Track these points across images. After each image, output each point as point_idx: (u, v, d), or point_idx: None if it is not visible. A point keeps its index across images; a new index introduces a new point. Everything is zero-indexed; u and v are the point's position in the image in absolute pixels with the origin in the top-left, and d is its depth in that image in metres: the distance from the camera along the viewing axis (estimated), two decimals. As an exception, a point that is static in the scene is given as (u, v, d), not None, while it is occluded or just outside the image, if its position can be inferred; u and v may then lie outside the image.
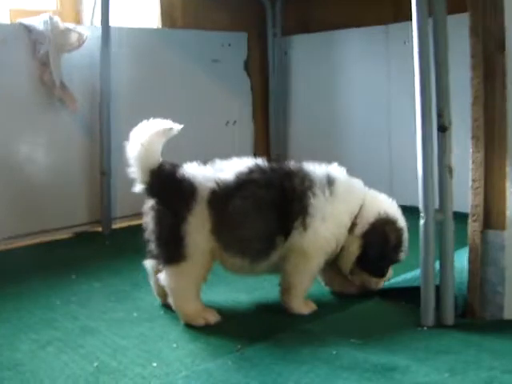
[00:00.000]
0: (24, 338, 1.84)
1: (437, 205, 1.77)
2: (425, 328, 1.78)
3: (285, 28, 3.55)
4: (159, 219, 1.91)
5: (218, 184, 1.88)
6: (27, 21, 2.80)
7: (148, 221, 1.95)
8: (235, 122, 3.49)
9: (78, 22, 3.55)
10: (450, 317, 1.79)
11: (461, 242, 1.87)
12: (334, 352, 1.65)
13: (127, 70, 3.12)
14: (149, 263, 2.04)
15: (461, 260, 1.87)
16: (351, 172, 2.03)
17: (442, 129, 1.74)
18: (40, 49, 2.76)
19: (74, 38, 2.80)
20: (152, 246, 1.95)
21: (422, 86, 1.74)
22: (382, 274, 2.03)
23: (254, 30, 3.56)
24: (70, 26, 2.86)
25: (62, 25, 2.81)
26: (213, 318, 1.92)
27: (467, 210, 1.82)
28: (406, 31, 2.98)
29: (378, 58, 3.18)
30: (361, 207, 1.98)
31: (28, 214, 2.89)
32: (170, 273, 1.91)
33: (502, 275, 1.76)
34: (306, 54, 3.51)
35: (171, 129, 1.91)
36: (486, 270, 1.80)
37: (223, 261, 1.95)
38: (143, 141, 1.88)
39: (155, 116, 1.91)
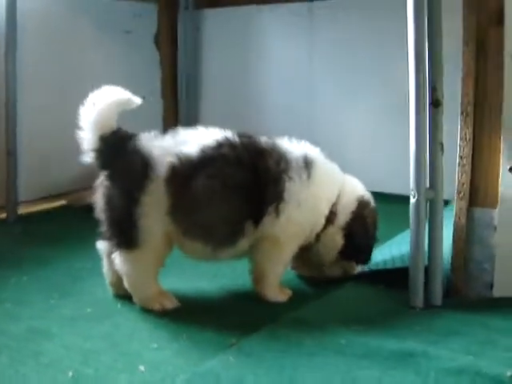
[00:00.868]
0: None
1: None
2: (416, 309, 1.73)
3: (198, 1, 3.35)
4: (109, 198, 1.71)
5: (179, 159, 1.67)
6: None
7: (98, 198, 1.74)
8: (144, 96, 3.23)
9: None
10: (438, 297, 1.75)
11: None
12: (343, 341, 1.53)
13: (34, 43, 2.80)
14: (101, 245, 1.83)
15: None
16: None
17: (436, 103, 1.68)
18: None
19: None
20: (103, 227, 1.75)
21: (416, 62, 1.67)
22: (368, 259, 1.93)
23: (165, 2, 3.33)
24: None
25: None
26: (169, 303, 1.76)
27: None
28: (330, 9, 2.98)
29: (300, 35, 3.09)
30: (339, 194, 1.85)
31: None
32: (124, 258, 1.72)
33: (490, 253, 1.75)
34: (220, 28, 3.33)
35: (130, 99, 1.73)
36: (472, 248, 1.78)
37: (182, 245, 1.76)
38: (98, 104, 1.69)
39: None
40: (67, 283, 1.98)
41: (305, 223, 1.79)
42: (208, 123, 3.31)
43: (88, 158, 1.73)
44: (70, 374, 1.41)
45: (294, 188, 1.75)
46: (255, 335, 1.58)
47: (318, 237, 1.85)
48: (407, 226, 1.74)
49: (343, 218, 1.84)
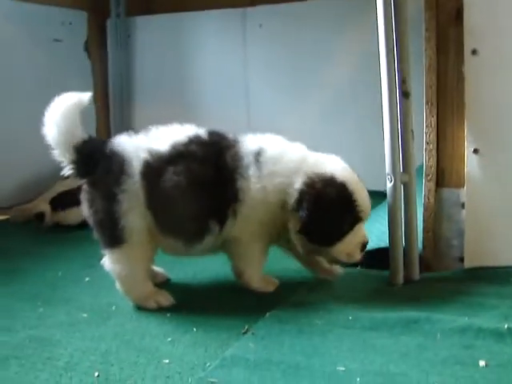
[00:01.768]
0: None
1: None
2: (398, 285, 1.86)
3: (129, 8, 3.34)
4: (91, 202, 1.75)
5: (151, 155, 1.71)
6: None
7: (83, 206, 1.79)
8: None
9: None
10: (416, 273, 1.90)
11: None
12: (350, 317, 1.64)
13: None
14: None
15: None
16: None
17: (406, 95, 1.83)
18: None
19: None
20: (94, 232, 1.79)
21: (387, 58, 1.81)
22: (332, 238, 1.74)
23: (95, 9, 3.30)
24: None
25: None
26: (165, 300, 1.78)
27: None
28: (262, 14, 3.10)
29: (234, 41, 3.18)
30: (294, 175, 1.74)
31: None
32: (112, 258, 1.75)
33: (458, 229, 1.92)
34: (152, 35, 3.35)
35: (80, 99, 1.74)
36: (441, 226, 1.95)
37: (158, 241, 1.78)
38: (56, 119, 1.71)
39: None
40: (47, 292, 1.94)
41: (264, 219, 1.75)
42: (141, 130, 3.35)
43: (67, 170, 1.78)
44: (96, 374, 1.40)
45: (246, 186, 1.73)
46: (263, 321, 1.64)
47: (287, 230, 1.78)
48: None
49: (291, 199, 1.73)
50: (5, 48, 2.88)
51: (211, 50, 3.26)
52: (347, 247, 1.76)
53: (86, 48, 3.31)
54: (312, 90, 3.03)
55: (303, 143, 1.84)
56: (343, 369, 1.37)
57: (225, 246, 1.82)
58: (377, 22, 1.80)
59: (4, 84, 2.83)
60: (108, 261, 1.76)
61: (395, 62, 1.81)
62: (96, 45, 3.35)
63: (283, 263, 2.01)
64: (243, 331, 1.59)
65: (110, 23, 3.35)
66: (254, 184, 1.73)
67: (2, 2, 2.87)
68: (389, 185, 1.84)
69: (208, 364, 1.43)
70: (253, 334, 1.58)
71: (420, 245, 1.95)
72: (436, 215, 1.94)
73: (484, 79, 1.85)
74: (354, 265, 1.96)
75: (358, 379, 1.32)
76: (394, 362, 1.39)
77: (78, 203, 2.64)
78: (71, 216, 2.70)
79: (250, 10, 3.13)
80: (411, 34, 1.84)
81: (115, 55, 3.36)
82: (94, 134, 3.35)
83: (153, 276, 1.90)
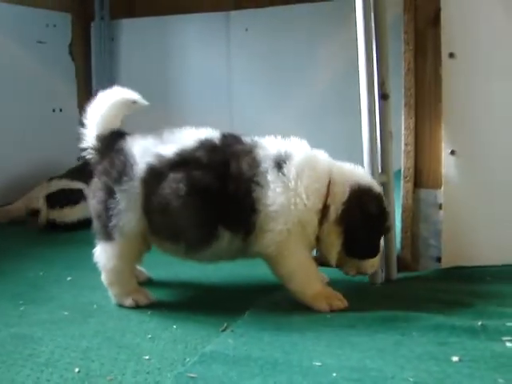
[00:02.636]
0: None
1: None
2: (377, 285, 1.89)
3: (113, 11, 3.36)
4: (94, 193, 1.78)
5: (158, 159, 1.71)
6: None
7: (89, 194, 1.84)
8: (61, 109, 3.20)
9: None
10: (394, 272, 1.94)
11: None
12: (328, 316, 1.67)
13: None
14: None
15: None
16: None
17: (385, 97, 1.87)
18: None
19: None
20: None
21: (366, 60, 1.84)
22: (375, 252, 1.75)
23: (80, 12, 3.31)
24: None
25: None
26: (144, 299, 1.80)
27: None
28: (247, 18, 3.13)
29: (218, 44, 3.20)
30: (329, 185, 1.68)
31: None
32: (101, 250, 1.77)
33: (435, 229, 1.96)
34: (136, 38, 3.37)
35: (135, 102, 1.81)
36: (419, 226, 1.98)
37: (157, 245, 1.81)
38: (102, 104, 1.79)
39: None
40: (29, 291, 1.96)
41: (288, 227, 1.66)
42: (127, 131, 3.36)
43: (87, 154, 1.82)
44: (77, 370, 1.41)
45: (262, 194, 1.65)
46: (243, 318, 1.67)
47: (319, 239, 1.72)
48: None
49: (334, 210, 1.67)
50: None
51: (195, 52, 3.29)
52: (376, 259, 1.78)
53: (71, 50, 3.33)
54: (295, 93, 3.07)
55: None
56: (320, 364, 1.39)
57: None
58: (356, 26, 1.83)
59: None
60: (98, 251, 1.78)
61: (374, 64, 1.84)
62: (80, 47, 3.37)
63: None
64: (222, 328, 1.62)
65: (94, 26, 3.37)
66: (278, 189, 1.64)
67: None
68: (368, 186, 1.86)
69: (187, 360, 1.45)
70: (232, 331, 1.60)
71: (398, 245, 1.98)
72: (414, 216, 1.97)
73: (461, 82, 1.89)
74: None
75: (334, 374, 1.34)
76: (370, 358, 1.41)
77: (75, 202, 2.72)
78: (68, 214, 2.71)
79: (234, 13, 3.16)
80: (390, 37, 1.87)
81: (99, 58, 3.37)
82: (75, 136, 3.35)
83: (136, 275, 1.92)
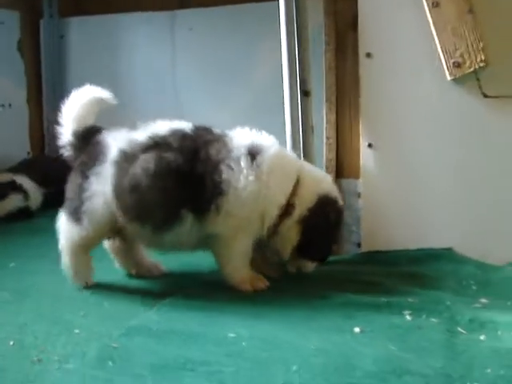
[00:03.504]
0: None
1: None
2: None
3: (62, 9, 3.44)
4: (70, 178, 1.88)
5: (129, 144, 1.80)
6: None
7: (67, 183, 1.90)
8: (10, 104, 3.28)
9: None
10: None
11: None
12: (251, 295, 1.81)
13: None
14: (107, 244, 1.99)
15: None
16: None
17: (306, 93, 2.02)
18: None
19: None
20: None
21: (288, 60, 1.99)
22: (324, 257, 1.91)
23: (28, 9, 3.39)
24: None
25: None
26: (86, 278, 1.89)
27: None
28: (192, 18, 3.24)
29: (163, 43, 3.31)
30: (296, 184, 1.78)
31: None
32: (65, 225, 1.86)
33: (356, 216, 2.11)
34: (84, 37, 3.45)
35: (102, 99, 1.90)
36: (343, 213, 2.12)
37: (125, 227, 1.85)
38: (73, 105, 1.89)
39: None
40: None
41: (250, 214, 1.75)
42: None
43: (65, 151, 1.90)
44: (11, 342, 1.52)
45: (233, 178, 1.72)
46: (171, 299, 1.79)
47: (274, 229, 1.80)
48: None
49: (299, 211, 1.77)
50: None
51: (142, 51, 3.38)
52: None
53: (19, 48, 3.39)
54: (235, 90, 3.18)
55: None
56: (234, 335, 1.52)
57: (209, 243, 1.83)
58: (279, 29, 1.97)
59: None
60: (61, 222, 1.87)
61: (297, 63, 1.98)
62: (29, 44, 3.43)
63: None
64: (150, 307, 1.73)
65: (43, 23, 3.44)
66: (248, 177, 1.72)
67: None
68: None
69: (114, 333, 1.56)
70: (158, 309, 1.72)
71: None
72: (337, 204, 2.11)
73: (377, 80, 2.05)
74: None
75: (244, 343, 1.47)
76: (281, 330, 1.54)
77: (2, 196, 2.80)
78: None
79: (179, 12, 3.27)
80: (314, 38, 2.01)
81: (48, 55, 3.44)
82: (25, 133, 3.43)
83: (149, 269, 2.02)
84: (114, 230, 1.88)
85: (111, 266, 2.04)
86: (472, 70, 1.95)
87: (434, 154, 2.05)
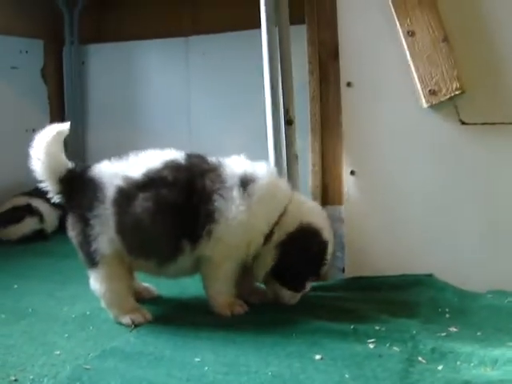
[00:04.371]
0: None
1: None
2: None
3: (83, 36, 3.61)
4: (72, 226, 1.89)
5: (125, 181, 1.82)
6: None
7: (68, 229, 1.91)
8: (34, 129, 3.44)
9: None
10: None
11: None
12: (228, 319, 1.88)
13: None
14: None
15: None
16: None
17: (289, 122, 2.08)
18: None
19: None
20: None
21: (271, 88, 2.05)
22: (297, 287, 1.91)
23: (51, 38, 3.57)
24: None
25: None
26: (140, 318, 1.88)
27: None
28: (204, 43, 3.36)
29: (178, 68, 3.43)
30: (282, 214, 1.84)
31: None
32: (93, 277, 1.89)
33: (340, 242, 2.16)
34: (103, 62, 3.61)
35: (60, 131, 1.86)
36: (327, 239, 2.17)
37: (130, 263, 1.89)
38: (40, 156, 1.84)
39: None
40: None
41: (239, 243, 1.81)
42: (96, 152, 3.60)
43: (56, 200, 1.91)
44: (-6, 363, 1.64)
45: (225, 207, 1.78)
46: (152, 322, 1.89)
47: (256, 255, 1.87)
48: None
49: (277, 236, 1.83)
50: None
51: (157, 76, 3.50)
52: (298, 294, 1.94)
53: (43, 74, 3.56)
54: (247, 113, 3.26)
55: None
56: (199, 360, 1.60)
57: (198, 265, 1.88)
58: (262, 60, 2.04)
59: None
60: (91, 280, 1.89)
61: (280, 93, 2.05)
62: (52, 71, 3.60)
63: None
64: (131, 329, 1.83)
65: (65, 50, 3.60)
66: (239, 206, 1.78)
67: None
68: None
69: (90, 355, 1.67)
70: (137, 331, 1.82)
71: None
72: (322, 229, 2.16)
73: (358, 108, 2.10)
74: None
75: (206, 368, 1.55)
76: (245, 355, 1.62)
77: (18, 220, 2.94)
78: (13, 232, 2.96)
79: (192, 38, 3.38)
80: (298, 66, 2.07)
81: (70, 80, 3.61)
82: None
83: (140, 292, 2.06)
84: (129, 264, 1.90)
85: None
86: (447, 97, 1.97)
87: (413, 181, 2.08)
